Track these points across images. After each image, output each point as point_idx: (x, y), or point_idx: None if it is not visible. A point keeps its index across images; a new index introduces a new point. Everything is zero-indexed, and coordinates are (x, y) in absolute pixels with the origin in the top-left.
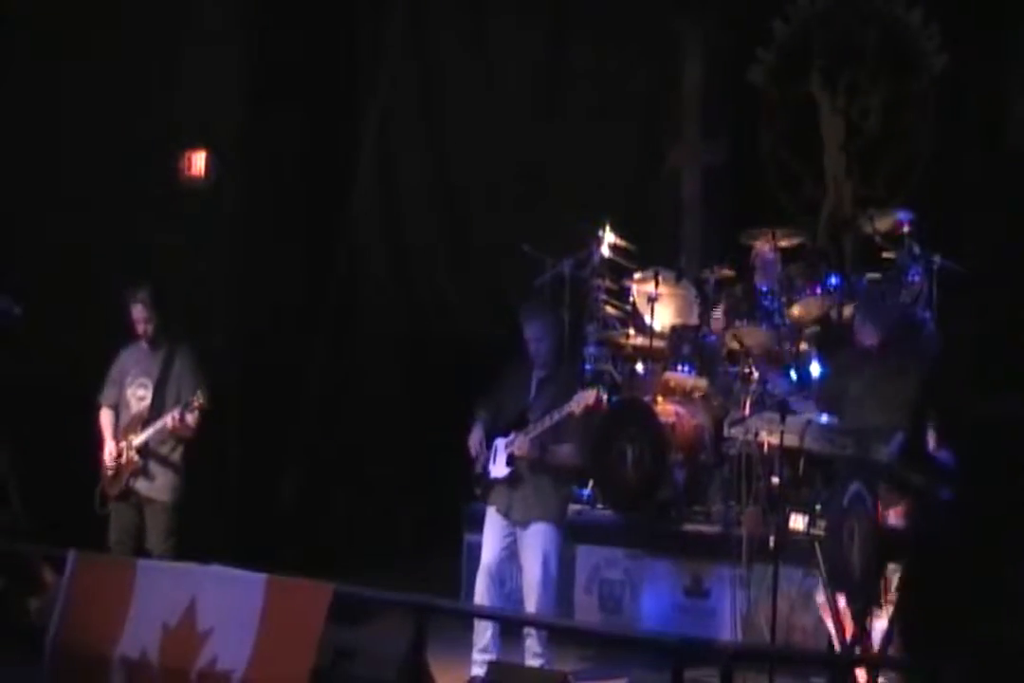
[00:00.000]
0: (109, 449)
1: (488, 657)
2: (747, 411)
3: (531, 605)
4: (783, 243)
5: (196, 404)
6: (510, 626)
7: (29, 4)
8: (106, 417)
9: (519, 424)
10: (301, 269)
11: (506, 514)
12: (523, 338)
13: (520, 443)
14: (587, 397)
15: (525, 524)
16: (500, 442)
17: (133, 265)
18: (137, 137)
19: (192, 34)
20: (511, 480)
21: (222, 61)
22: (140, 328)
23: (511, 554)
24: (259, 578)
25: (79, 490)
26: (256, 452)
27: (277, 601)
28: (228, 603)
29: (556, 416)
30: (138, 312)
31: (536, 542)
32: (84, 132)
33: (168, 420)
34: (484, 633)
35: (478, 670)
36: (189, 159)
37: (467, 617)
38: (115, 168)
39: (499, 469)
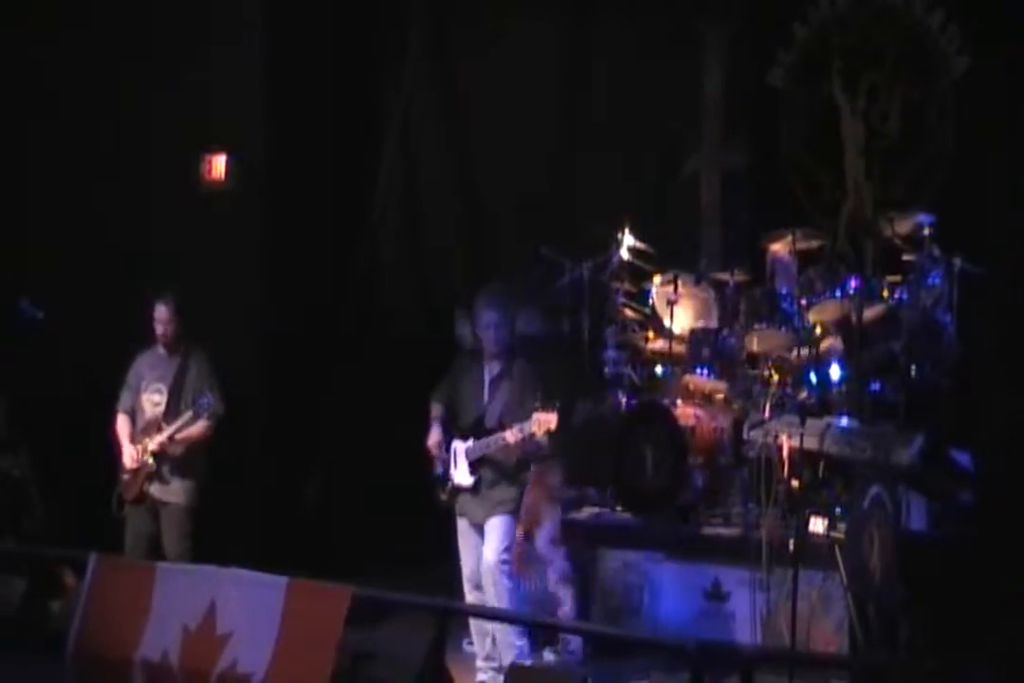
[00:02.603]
0: (126, 454)
1: (493, 664)
2: (767, 414)
3: (489, 588)
4: (802, 246)
5: (208, 410)
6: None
7: (55, 5)
8: (122, 423)
9: (476, 426)
10: (323, 272)
11: (471, 519)
12: (476, 328)
13: (477, 454)
14: (548, 420)
15: (486, 523)
16: (460, 447)
17: (153, 270)
18: (158, 140)
19: (214, 35)
20: (475, 488)
21: (244, 63)
22: (160, 329)
23: None
24: (279, 581)
25: (100, 494)
26: (277, 455)
27: (297, 604)
28: (248, 606)
29: (518, 434)
30: (162, 313)
31: (494, 532)
32: (103, 136)
33: (179, 425)
34: (484, 641)
35: (483, 676)
36: (210, 162)
37: (488, 619)
38: (136, 172)
39: (463, 476)
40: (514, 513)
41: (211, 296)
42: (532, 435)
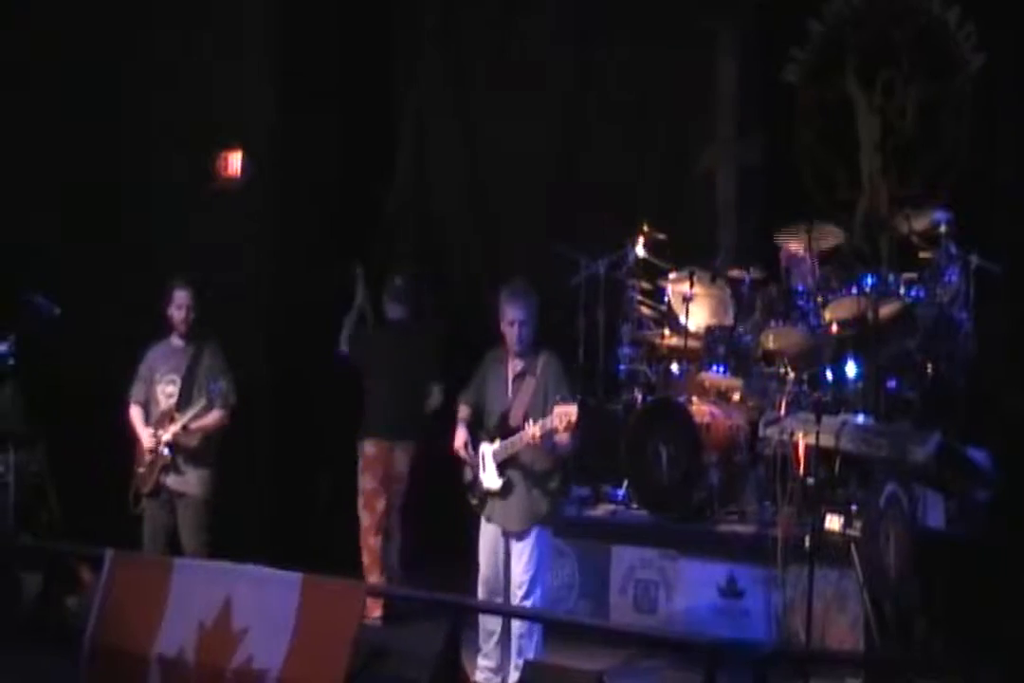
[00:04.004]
0: (144, 437)
1: (491, 663)
2: (782, 411)
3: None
4: (818, 243)
5: (220, 396)
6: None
7: (69, 5)
8: (136, 414)
9: (502, 426)
10: (335, 267)
11: (502, 525)
12: (500, 323)
13: (504, 455)
14: (569, 413)
15: (518, 533)
16: (487, 449)
17: (167, 266)
18: (172, 137)
19: (226, 32)
20: (503, 491)
21: (257, 60)
22: (181, 315)
23: (508, 566)
24: (295, 577)
25: (115, 488)
26: (292, 450)
27: (312, 600)
28: (264, 602)
29: (537, 431)
30: (182, 298)
31: (526, 547)
32: (118, 133)
33: (193, 413)
34: (489, 640)
35: (481, 676)
36: (225, 159)
37: (501, 617)
38: (150, 168)
39: (491, 479)
40: (549, 528)
41: (222, 291)
42: (554, 430)
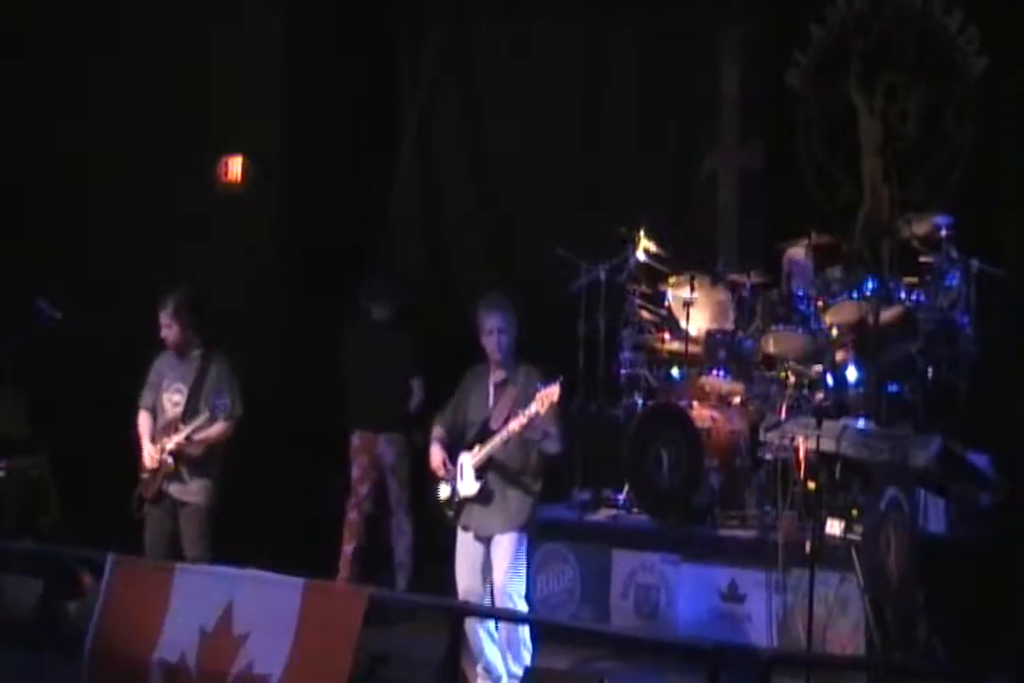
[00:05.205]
0: (146, 453)
1: (491, 675)
2: (783, 416)
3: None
4: (819, 246)
5: (224, 412)
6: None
7: (70, 10)
8: (144, 420)
9: (482, 432)
10: (340, 271)
11: (476, 532)
12: (479, 335)
13: (482, 457)
14: (551, 394)
15: (493, 537)
16: (465, 457)
17: (172, 270)
18: (175, 142)
19: (229, 36)
20: (481, 496)
21: (260, 64)
22: (163, 333)
23: (488, 574)
24: (296, 582)
25: (118, 494)
26: (295, 456)
27: (314, 605)
28: (265, 607)
29: (523, 419)
30: (162, 319)
31: (504, 552)
32: (122, 139)
33: (195, 426)
34: (482, 655)
35: None
36: (226, 164)
37: (503, 621)
38: (154, 173)
39: (468, 486)
40: (525, 529)
41: (228, 297)
42: (536, 415)
